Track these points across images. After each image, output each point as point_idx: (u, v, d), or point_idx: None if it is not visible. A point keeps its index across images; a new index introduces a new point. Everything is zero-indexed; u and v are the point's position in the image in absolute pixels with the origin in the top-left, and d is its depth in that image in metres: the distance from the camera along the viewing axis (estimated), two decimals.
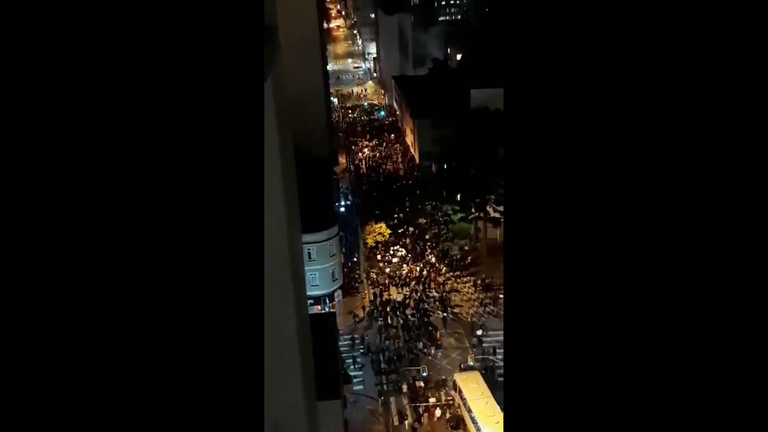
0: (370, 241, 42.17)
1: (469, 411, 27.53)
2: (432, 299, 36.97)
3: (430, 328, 34.53)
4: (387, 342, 33.83)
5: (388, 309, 36.18)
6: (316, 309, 34.46)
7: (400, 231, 43.57)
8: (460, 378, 29.29)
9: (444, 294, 37.28)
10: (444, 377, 31.02)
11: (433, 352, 32.93)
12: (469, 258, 40.54)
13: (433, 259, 40.88)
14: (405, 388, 30.40)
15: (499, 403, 27.08)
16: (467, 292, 37.47)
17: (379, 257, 41.36)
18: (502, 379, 29.83)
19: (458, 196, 42.35)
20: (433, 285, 38.24)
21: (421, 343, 33.26)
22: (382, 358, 32.60)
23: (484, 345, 32.95)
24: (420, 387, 30.38)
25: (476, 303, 36.40)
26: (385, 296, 37.44)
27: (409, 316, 35.57)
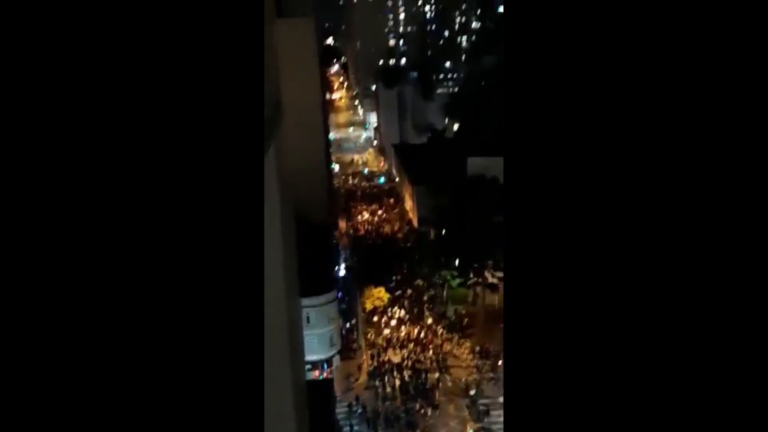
0: (369, 306, 41.95)
1: None
2: (429, 360, 36.71)
3: (427, 387, 34.11)
4: (387, 402, 33.36)
5: (385, 369, 35.94)
6: (314, 374, 33.84)
7: (397, 293, 43.52)
8: None
9: (441, 355, 37.09)
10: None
11: (429, 413, 32.38)
12: (465, 320, 40.38)
13: (430, 321, 40.78)
14: None
15: None
16: (465, 359, 37.00)
17: (376, 319, 41.27)
18: None
19: (456, 261, 42.48)
20: (430, 346, 38.03)
21: (417, 404, 32.83)
22: (377, 425, 31.98)
23: (479, 406, 32.48)
24: None
25: (474, 370, 35.88)
26: (384, 357, 37.21)
27: (406, 377, 35.26)
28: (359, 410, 32.77)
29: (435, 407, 32.76)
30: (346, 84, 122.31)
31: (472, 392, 33.48)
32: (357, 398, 33.59)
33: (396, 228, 57.68)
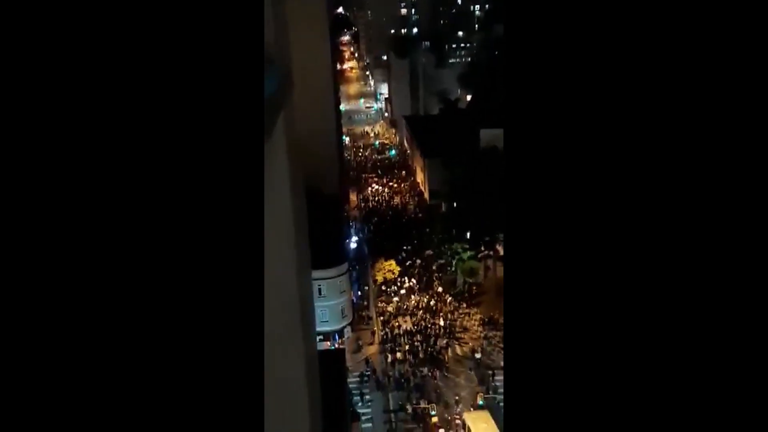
0: (380, 278, 42.29)
1: None
2: (437, 326, 37.45)
3: (437, 353, 34.91)
4: (397, 365, 34.21)
5: (395, 334, 36.78)
6: (326, 345, 34.33)
7: (408, 264, 43.85)
8: (469, 417, 28.93)
9: (450, 322, 37.86)
10: (455, 401, 31.10)
11: (438, 375, 33.18)
12: (474, 288, 40.68)
13: (440, 289, 41.32)
14: (409, 409, 30.63)
15: None
16: (475, 331, 37.37)
17: (384, 288, 41.98)
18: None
19: (468, 234, 42.45)
20: (440, 314, 38.70)
21: (426, 368, 33.55)
22: (388, 383, 32.87)
23: (484, 369, 33.46)
24: (425, 408, 30.58)
25: (483, 341, 36.34)
26: (394, 323, 37.97)
27: (416, 342, 36.06)
28: (368, 372, 33.51)
29: (444, 370, 33.53)
30: (356, 54, 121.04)
31: (478, 356, 34.39)
32: (367, 361, 34.37)
33: (407, 200, 57.66)
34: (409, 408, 30.82)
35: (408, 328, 37.44)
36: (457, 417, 30.04)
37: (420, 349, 35.42)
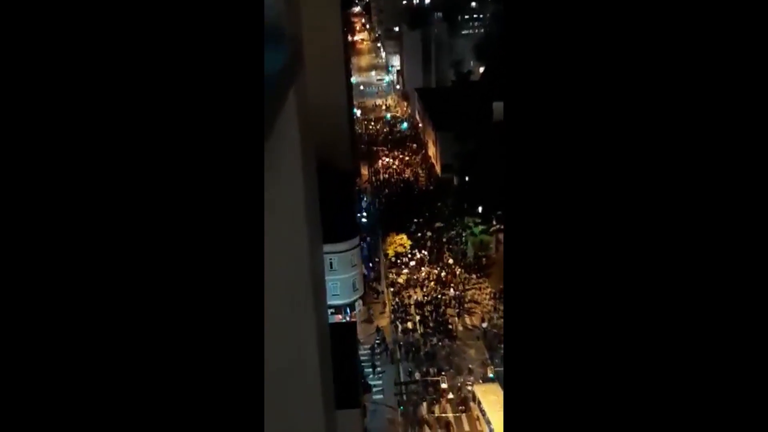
0: (391, 252, 42.55)
1: (488, 423, 27.50)
2: (447, 297, 38.04)
3: (447, 322, 35.61)
4: (407, 335, 34.94)
5: (405, 305, 37.48)
6: (337, 318, 34.80)
7: (419, 235, 44.10)
8: (479, 390, 29.30)
9: (460, 293, 38.48)
10: (467, 370, 31.70)
11: (447, 342, 33.89)
12: (484, 260, 41.00)
13: (451, 261, 41.73)
14: (418, 375, 31.43)
15: None
16: (486, 304, 37.72)
17: (395, 260, 42.50)
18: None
19: (479, 209, 42.45)
20: (451, 285, 39.25)
21: (435, 338, 34.24)
22: (398, 351, 33.58)
23: (491, 336, 34.21)
24: (435, 380, 31.32)
25: (493, 313, 36.73)
26: (404, 294, 38.63)
27: (426, 312, 36.69)
28: (378, 340, 34.14)
29: (453, 338, 34.26)
30: (368, 26, 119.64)
31: (485, 325, 34.99)
32: (378, 329, 34.98)
33: (419, 174, 57.56)
34: (418, 376, 31.41)
35: (418, 299, 37.90)
36: (469, 385, 30.51)
37: (430, 319, 35.97)
